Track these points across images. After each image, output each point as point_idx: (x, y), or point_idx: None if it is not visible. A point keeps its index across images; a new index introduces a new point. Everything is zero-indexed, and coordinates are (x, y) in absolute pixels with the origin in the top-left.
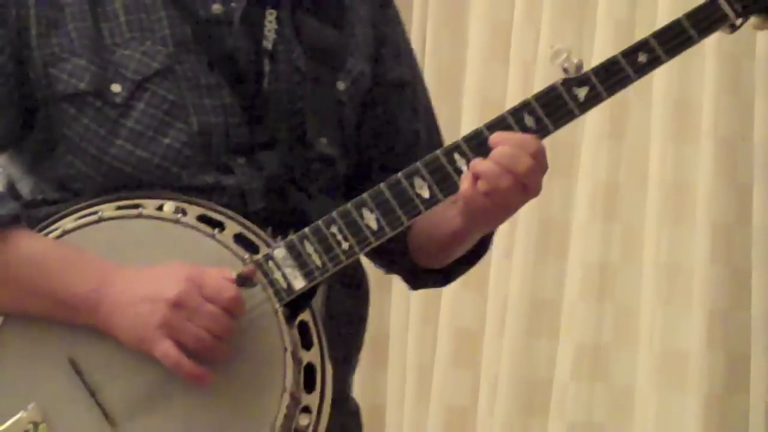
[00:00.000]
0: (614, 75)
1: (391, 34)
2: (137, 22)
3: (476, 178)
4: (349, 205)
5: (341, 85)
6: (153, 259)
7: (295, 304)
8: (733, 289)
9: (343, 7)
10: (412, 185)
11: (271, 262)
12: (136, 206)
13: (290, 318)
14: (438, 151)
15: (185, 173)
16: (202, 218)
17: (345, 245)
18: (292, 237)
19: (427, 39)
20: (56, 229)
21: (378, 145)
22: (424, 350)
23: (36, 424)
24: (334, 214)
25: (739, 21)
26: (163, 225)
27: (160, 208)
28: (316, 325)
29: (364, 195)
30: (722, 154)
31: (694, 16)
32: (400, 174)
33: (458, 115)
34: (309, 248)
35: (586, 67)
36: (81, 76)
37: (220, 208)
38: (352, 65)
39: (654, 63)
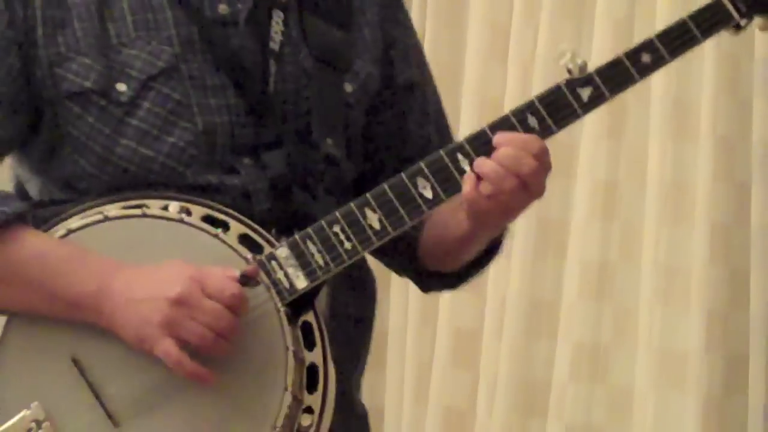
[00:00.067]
0: (618, 75)
1: (400, 36)
2: (143, 21)
3: (479, 179)
4: (351, 204)
5: (348, 87)
6: (157, 258)
7: (299, 305)
8: (731, 290)
9: (350, 9)
10: (415, 185)
11: (273, 262)
12: (141, 206)
13: (293, 318)
14: (441, 151)
15: (190, 172)
16: (206, 218)
17: (348, 245)
18: (295, 236)
19: (425, 39)
20: (61, 228)
21: (389, 149)
22: (423, 351)
23: (39, 423)
24: (337, 213)
25: (743, 21)
26: (168, 225)
27: (164, 207)
28: (319, 325)
29: (367, 195)
30: (721, 154)
31: (698, 16)
32: (402, 174)
33: (457, 115)
34: (312, 248)
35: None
36: (86, 75)
37: (224, 209)
38: (360, 67)
39: (658, 63)
